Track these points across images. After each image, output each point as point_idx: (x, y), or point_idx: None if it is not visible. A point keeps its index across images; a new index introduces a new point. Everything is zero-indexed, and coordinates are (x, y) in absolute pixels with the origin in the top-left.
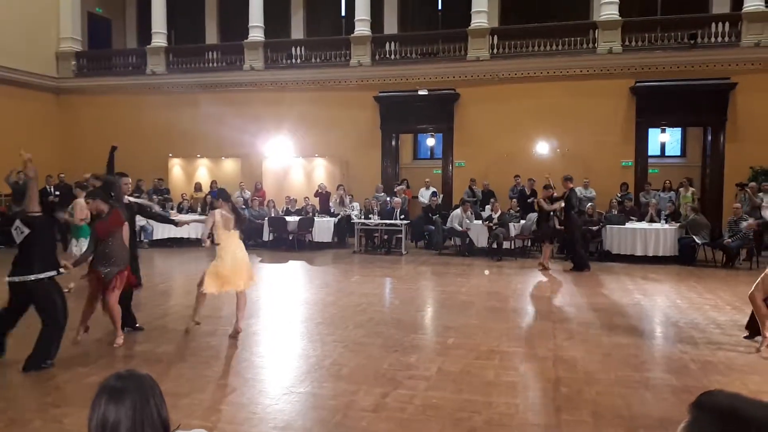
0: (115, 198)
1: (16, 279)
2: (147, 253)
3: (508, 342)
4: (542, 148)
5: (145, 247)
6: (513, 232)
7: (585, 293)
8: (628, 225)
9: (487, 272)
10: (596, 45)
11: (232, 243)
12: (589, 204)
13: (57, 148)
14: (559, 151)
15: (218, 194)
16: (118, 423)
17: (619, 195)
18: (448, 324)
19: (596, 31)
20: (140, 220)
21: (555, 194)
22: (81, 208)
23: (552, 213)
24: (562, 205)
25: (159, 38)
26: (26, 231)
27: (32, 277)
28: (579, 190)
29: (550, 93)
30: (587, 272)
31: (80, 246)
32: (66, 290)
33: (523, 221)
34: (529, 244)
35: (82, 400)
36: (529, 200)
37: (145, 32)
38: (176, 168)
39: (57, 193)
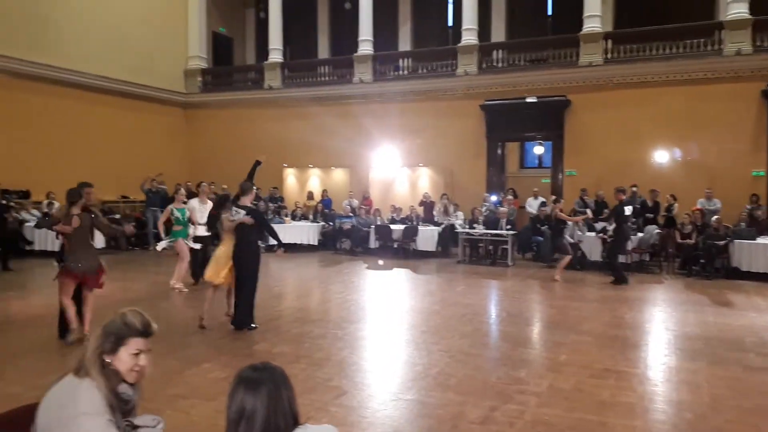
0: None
1: None
2: (262, 257)
3: (625, 361)
4: (661, 156)
5: (261, 251)
6: (629, 246)
7: (711, 312)
8: (760, 240)
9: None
10: (722, 46)
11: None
12: (714, 217)
13: (184, 159)
14: (680, 159)
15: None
16: (254, 411)
17: (748, 207)
18: (558, 339)
19: (722, 32)
20: None
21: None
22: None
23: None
24: (589, 215)
25: (275, 54)
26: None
27: None
28: (701, 202)
29: (670, 98)
30: (625, 286)
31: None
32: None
33: (640, 234)
34: (648, 258)
35: (207, 393)
36: (648, 214)
37: (263, 49)
38: (290, 177)
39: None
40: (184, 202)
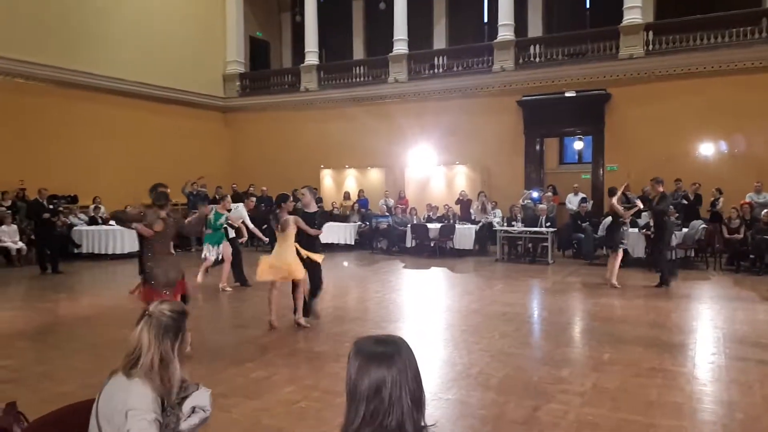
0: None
1: None
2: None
3: (672, 359)
4: (706, 149)
5: None
6: (674, 242)
7: (762, 309)
8: None
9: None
10: None
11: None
12: (764, 211)
13: (225, 162)
14: (726, 152)
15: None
16: (394, 383)
17: None
18: (602, 338)
19: None
20: None
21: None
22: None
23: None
24: (641, 206)
25: (311, 57)
26: None
27: None
28: (750, 196)
29: (715, 89)
30: (666, 288)
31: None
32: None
33: (685, 230)
34: (693, 254)
35: (249, 392)
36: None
37: (299, 52)
38: (327, 178)
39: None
40: (228, 210)
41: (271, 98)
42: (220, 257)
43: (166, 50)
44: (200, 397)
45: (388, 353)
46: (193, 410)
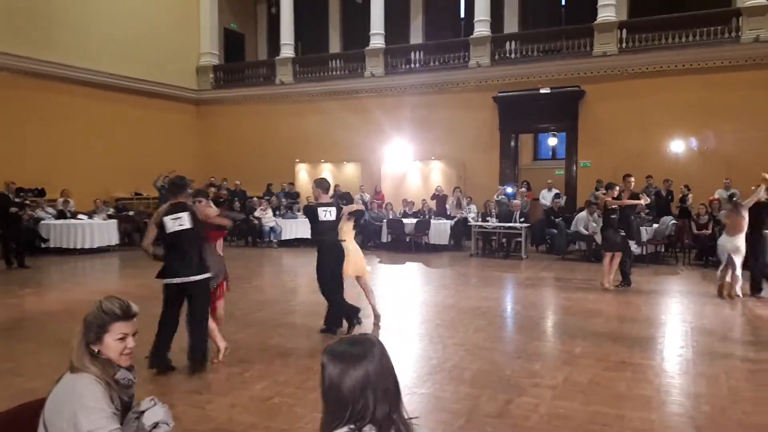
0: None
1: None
2: (276, 252)
3: (641, 353)
4: (677, 146)
5: (275, 246)
6: (645, 237)
7: (728, 303)
8: None
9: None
10: (740, 33)
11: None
12: (723, 212)
13: (197, 155)
14: (697, 149)
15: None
16: (378, 377)
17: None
18: (574, 332)
19: (740, 19)
20: (269, 221)
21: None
22: None
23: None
24: (647, 201)
25: (287, 50)
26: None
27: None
28: (719, 192)
29: (686, 87)
30: (628, 286)
31: None
32: None
33: (656, 225)
34: (663, 249)
35: (221, 389)
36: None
37: (274, 45)
38: (302, 172)
39: None
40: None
41: (245, 91)
42: None
43: (138, 41)
44: (159, 413)
45: (365, 351)
46: (156, 425)
